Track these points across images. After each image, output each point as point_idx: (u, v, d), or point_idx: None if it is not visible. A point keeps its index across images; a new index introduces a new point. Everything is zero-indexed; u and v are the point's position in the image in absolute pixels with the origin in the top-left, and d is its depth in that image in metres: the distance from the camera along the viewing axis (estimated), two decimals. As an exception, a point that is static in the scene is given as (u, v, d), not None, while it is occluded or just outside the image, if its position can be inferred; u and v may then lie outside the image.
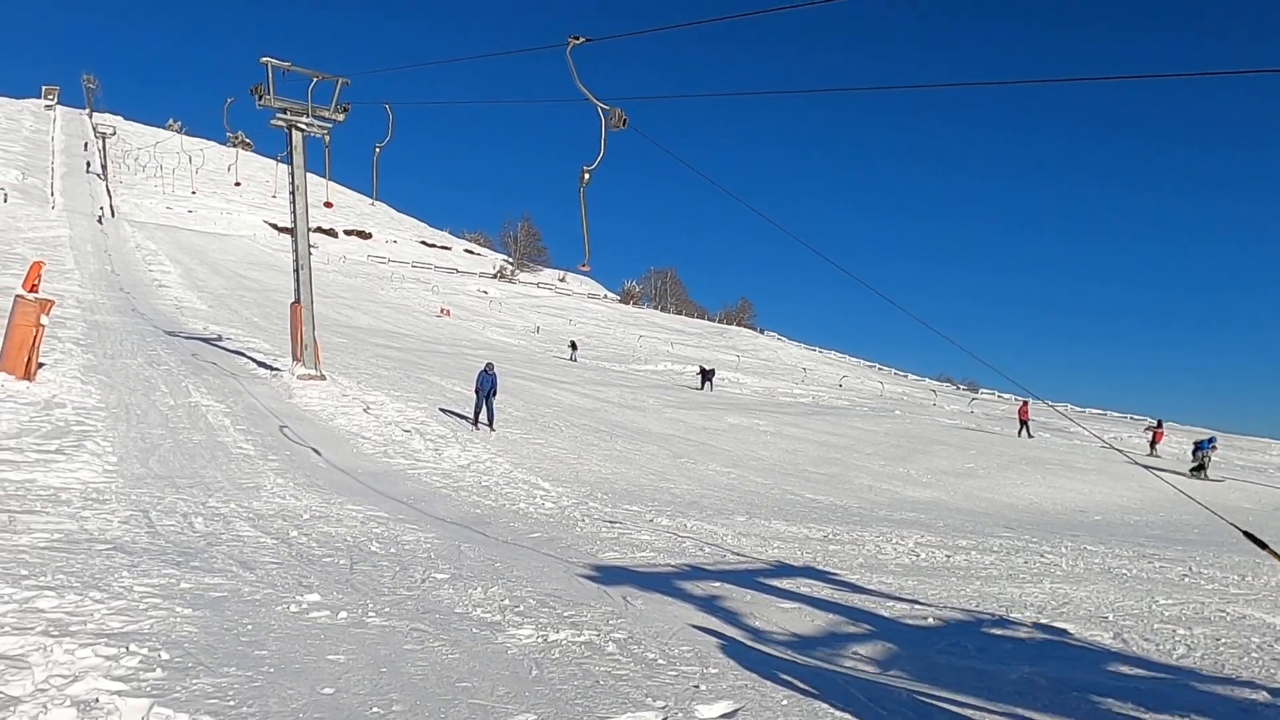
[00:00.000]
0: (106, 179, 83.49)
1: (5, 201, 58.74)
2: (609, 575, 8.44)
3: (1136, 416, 54.13)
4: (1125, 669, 6.42)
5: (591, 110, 10.72)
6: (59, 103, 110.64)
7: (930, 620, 7.72)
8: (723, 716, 4.65)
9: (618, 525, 11.65)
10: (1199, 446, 28.11)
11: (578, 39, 11.51)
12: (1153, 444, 33.46)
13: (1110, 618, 8.18)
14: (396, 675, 4.87)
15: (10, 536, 6.95)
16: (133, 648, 4.68)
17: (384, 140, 12.40)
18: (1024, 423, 35.02)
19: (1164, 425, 35.90)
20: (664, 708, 4.69)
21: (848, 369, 71.01)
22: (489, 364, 20.63)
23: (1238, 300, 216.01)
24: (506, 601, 6.85)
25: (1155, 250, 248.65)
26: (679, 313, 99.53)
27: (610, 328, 70.61)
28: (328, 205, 44.69)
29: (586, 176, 11.14)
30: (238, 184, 54.73)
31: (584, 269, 13.54)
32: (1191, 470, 27.10)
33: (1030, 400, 35.41)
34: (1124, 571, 10.87)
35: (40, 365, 15.41)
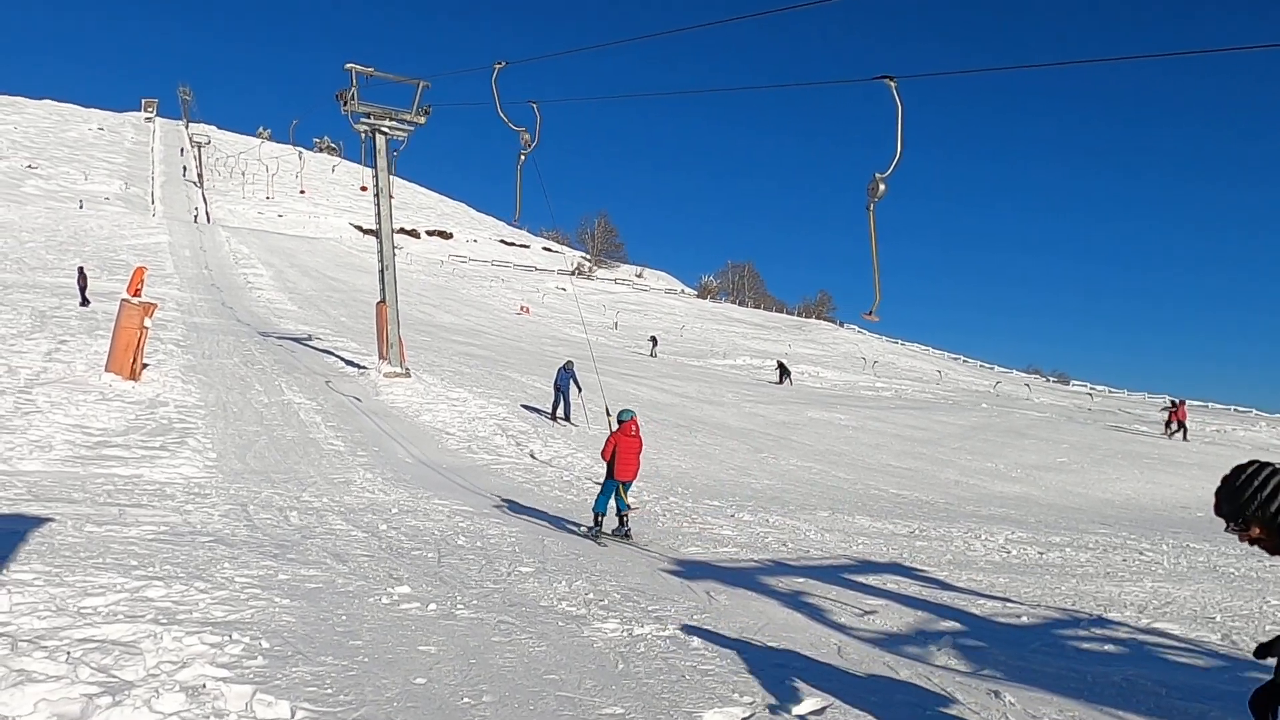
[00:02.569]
0: (202, 186, 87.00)
1: (81, 208, 61.48)
2: (691, 570, 8.43)
3: (1241, 409, 51.53)
4: (1236, 673, 6.12)
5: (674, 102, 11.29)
6: (157, 114, 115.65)
7: (1024, 619, 7.48)
8: (813, 714, 4.58)
9: (699, 520, 11.63)
10: None
11: (501, 64, 14.85)
12: (1168, 424, 33.55)
13: (1218, 618, 7.80)
14: (485, 666, 4.94)
15: (121, 529, 7.30)
16: (235, 636, 4.86)
17: (530, 146, 12.93)
18: (1181, 424, 33.02)
19: (1185, 404, 35.49)
20: (751, 704, 4.64)
21: (931, 361, 69.44)
22: (569, 361, 20.84)
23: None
24: (591, 595, 6.89)
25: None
26: (757, 306, 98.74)
27: (688, 322, 70.50)
28: (363, 189, 46.68)
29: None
30: (302, 191, 56.39)
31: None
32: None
33: (1186, 401, 34.42)
34: (1231, 570, 10.37)
35: (144, 366, 16.15)
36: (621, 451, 10.04)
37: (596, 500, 10.26)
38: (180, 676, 4.22)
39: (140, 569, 6.05)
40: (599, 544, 9.59)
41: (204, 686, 4.13)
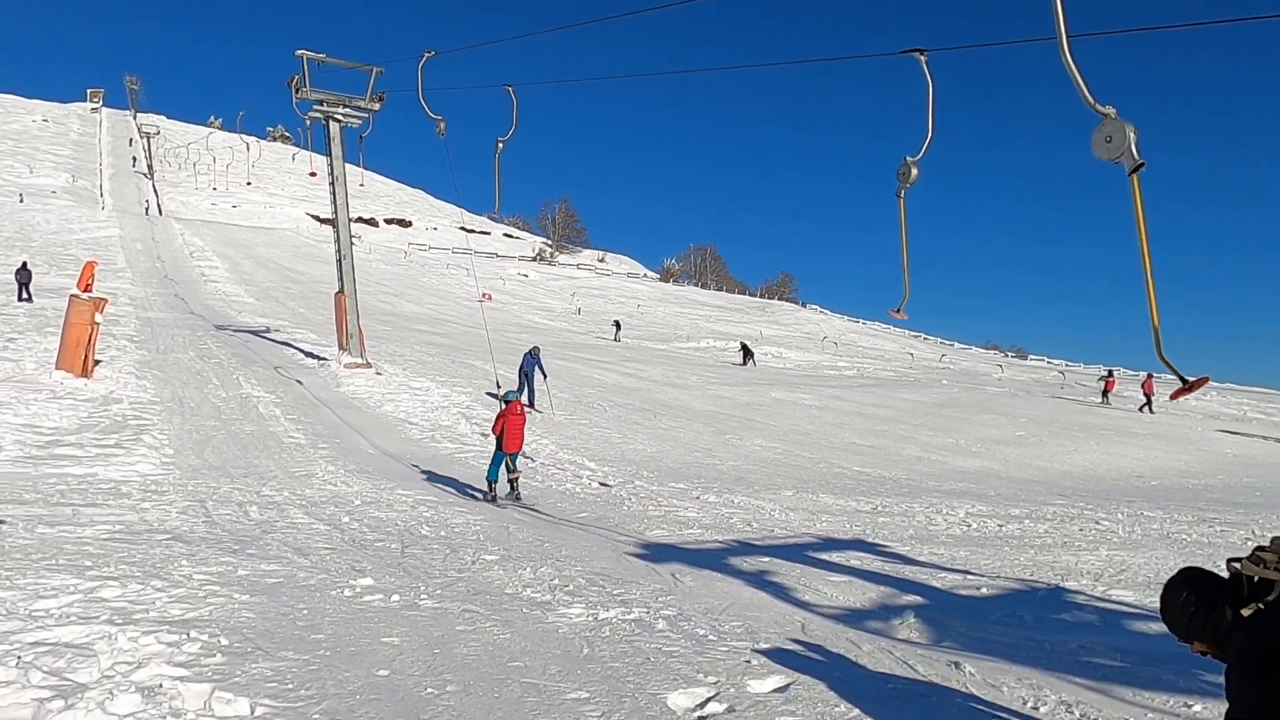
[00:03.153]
0: (152, 178, 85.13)
1: (22, 202, 59.79)
2: (657, 553, 8.46)
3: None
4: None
5: (634, 85, 10.92)
6: (104, 105, 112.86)
7: (984, 590, 7.62)
8: (775, 691, 4.63)
9: (664, 503, 11.66)
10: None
11: (430, 53, 15.29)
12: (1105, 393, 34.92)
13: (1171, 584, 7.99)
14: (450, 656, 4.92)
15: (74, 529, 7.16)
16: (193, 634, 4.79)
17: (508, 132, 12.74)
18: (1149, 397, 33.10)
19: (1114, 374, 37.81)
20: (716, 683, 4.68)
21: (892, 339, 70.18)
22: (534, 347, 20.76)
23: None
24: (556, 581, 6.89)
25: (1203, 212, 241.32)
26: (719, 289, 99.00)
27: (651, 306, 70.52)
28: (312, 174, 46.17)
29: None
30: (249, 183, 55.04)
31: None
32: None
33: (1154, 375, 34.11)
34: (1184, 537, 10.62)
35: (97, 362, 15.82)
36: (509, 428, 11.37)
37: (489, 470, 11.49)
38: (136, 677, 4.15)
39: (94, 569, 5.94)
40: (496, 506, 10.94)
41: (160, 686, 4.07)
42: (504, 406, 11.65)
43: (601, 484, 12.86)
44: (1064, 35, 5.36)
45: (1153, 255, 4.76)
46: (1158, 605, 2.83)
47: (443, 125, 17.55)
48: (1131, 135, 5.04)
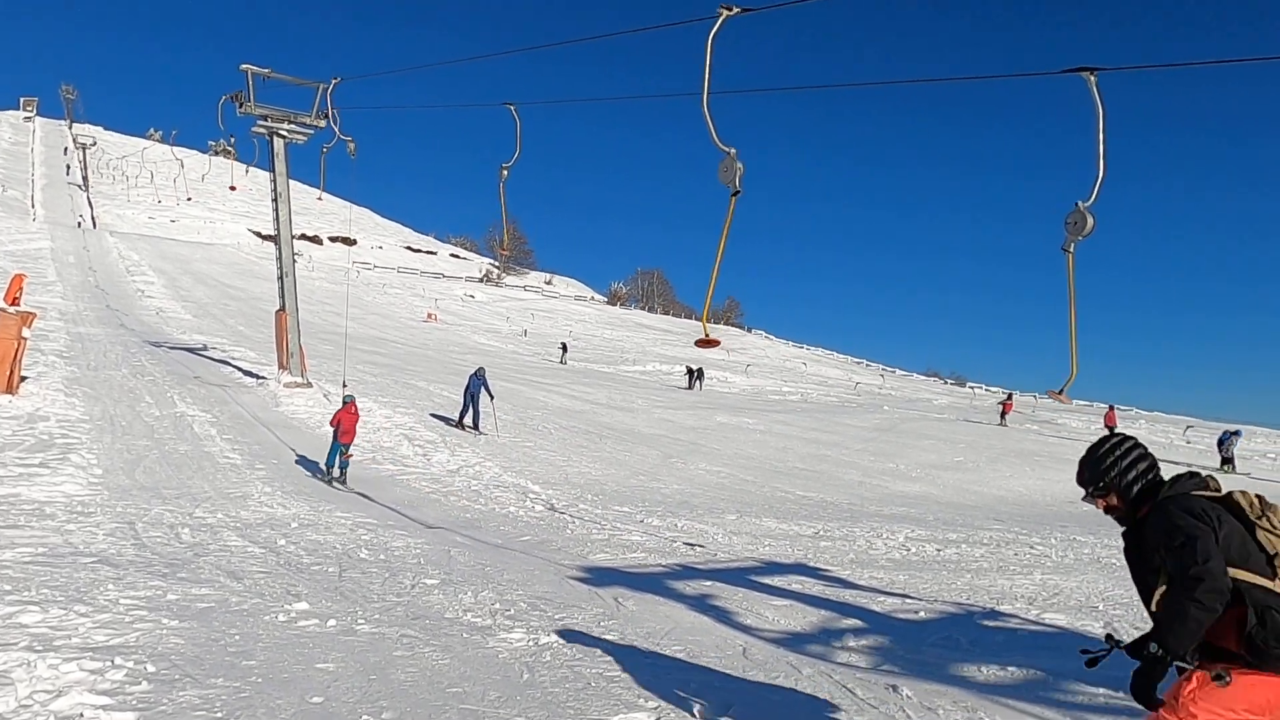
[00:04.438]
0: (87, 190, 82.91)
1: None
2: (600, 577, 8.41)
3: (1122, 408, 54.26)
4: (1118, 658, 6.42)
5: (562, 112, 10.90)
6: (38, 114, 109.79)
7: (922, 614, 7.72)
8: (716, 716, 4.63)
9: (608, 527, 11.63)
10: (1223, 439, 28.60)
11: (337, 79, 17.13)
12: (1002, 415, 37.03)
13: (1100, 607, 8.19)
14: (386, 682, 4.83)
15: (-7, 552, 6.87)
16: (118, 661, 4.63)
17: (512, 158, 12.59)
18: (1110, 430, 32.20)
19: (1013, 398, 41.00)
20: (656, 708, 4.66)
21: (835, 366, 71.18)
22: (480, 368, 20.60)
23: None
24: (497, 605, 6.81)
25: (1164, 240, 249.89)
26: (666, 313, 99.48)
27: (598, 329, 70.56)
28: (232, 189, 46.14)
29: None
30: (233, 188, 54.13)
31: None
32: (1222, 464, 27.31)
33: (1115, 407, 35.42)
34: (1113, 561, 10.88)
35: (23, 379, 15.28)
36: (345, 424, 13.58)
37: (327, 456, 13.80)
38: (55, 706, 4.00)
39: (14, 593, 5.71)
40: (332, 486, 13.10)
41: (81, 716, 3.93)
42: (341, 406, 13.99)
43: (549, 508, 12.79)
44: (706, 90, 7.38)
45: (724, 258, 7.53)
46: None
47: (352, 146, 19.65)
48: (739, 169, 7.25)
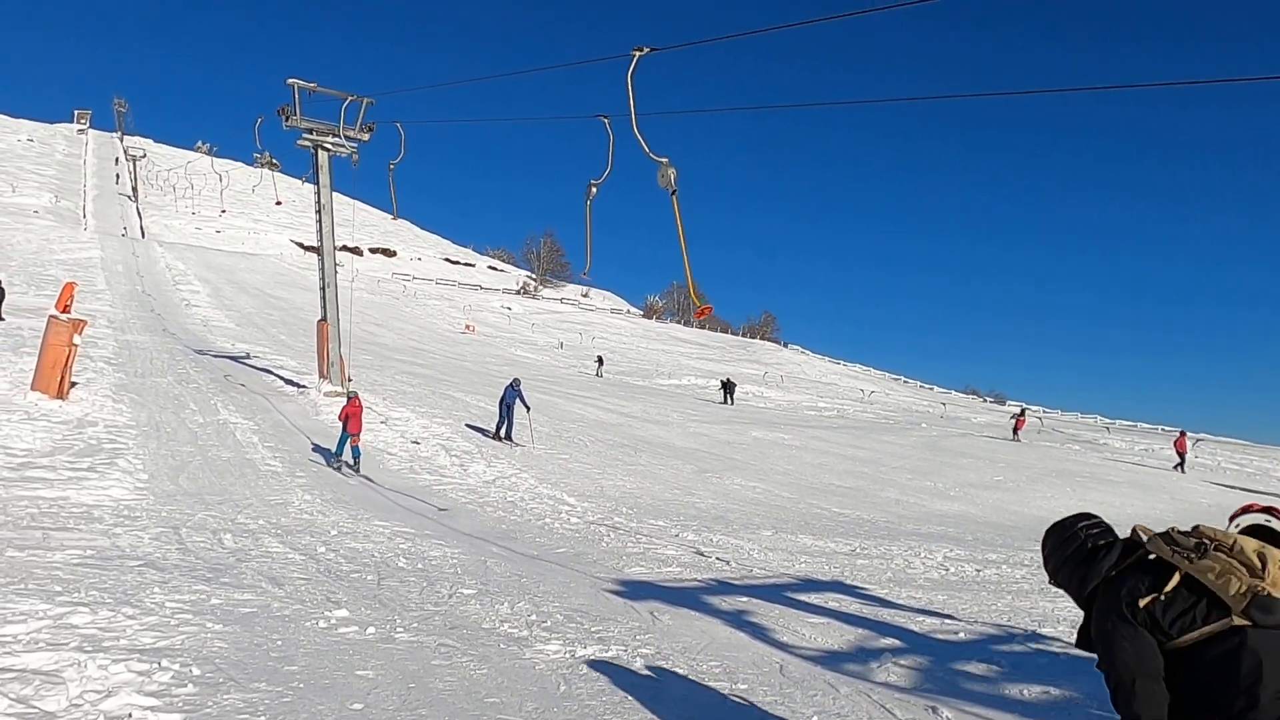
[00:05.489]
0: (137, 201, 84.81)
1: None
2: (635, 590, 8.41)
3: (1168, 428, 53.24)
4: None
5: (600, 126, 10.90)
6: (91, 126, 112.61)
7: (962, 635, 7.61)
8: (753, 733, 4.61)
9: (643, 540, 11.62)
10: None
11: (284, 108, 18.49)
12: (1015, 430, 36.87)
13: (1146, 632, 8.02)
14: (425, 691, 4.86)
15: (44, 553, 7.04)
16: (165, 663, 4.71)
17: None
18: (1182, 456, 31.00)
19: (1026, 413, 40.68)
20: (693, 724, 4.65)
21: (873, 382, 70.54)
22: (515, 379, 20.73)
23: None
24: (533, 617, 6.84)
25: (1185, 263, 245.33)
26: (702, 327, 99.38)
27: (633, 342, 70.65)
28: (278, 203, 47.10)
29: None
30: (279, 203, 55.00)
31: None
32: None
33: (1186, 433, 32.20)
34: (1159, 585, 10.67)
35: (73, 384, 15.64)
36: (353, 417, 14.85)
37: (336, 446, 14.99)
38: (105, 706, 4.08)
39: (64, 595, 5.84)
40: (340, 473, 14.32)
41: (130, 716, 4.00)
42: (346, 401, 15.29)
43: (584, 520, 12.82)
44: (634, 114, 9.34)
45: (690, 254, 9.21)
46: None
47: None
48: (673, 174, 9.04)
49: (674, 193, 9.05)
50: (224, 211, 77.77)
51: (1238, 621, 2.46)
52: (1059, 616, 8.52)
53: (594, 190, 11.62)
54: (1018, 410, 43.12)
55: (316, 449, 15.67)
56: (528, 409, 19.85)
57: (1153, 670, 2.56)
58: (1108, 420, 56.58)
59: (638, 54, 9.21)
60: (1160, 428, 54.09)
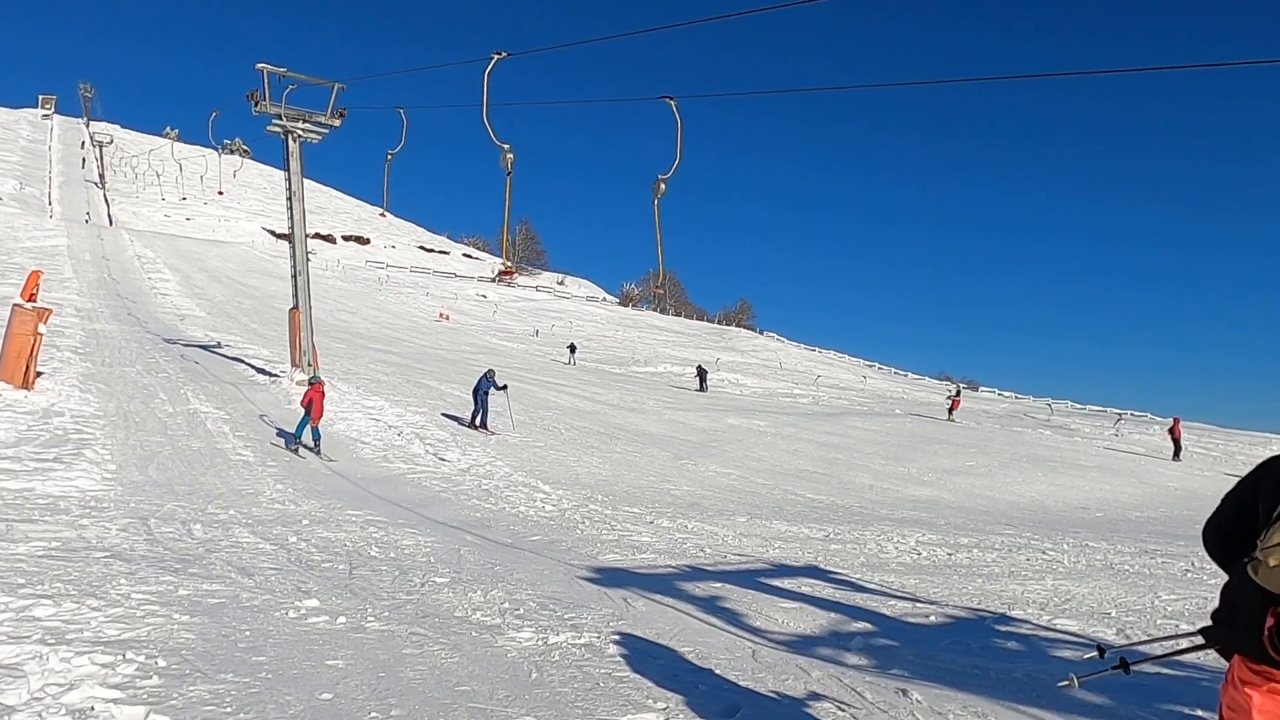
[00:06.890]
0: (104, 187, 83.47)
1: None
2: (610, 577, 8.41)
3: (1137, 413, 53.96)
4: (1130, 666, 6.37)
5: (600, 112, 11.06)
6: (56, 112, 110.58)
7: (933, 618, 7.69)
8: (724, 717, 4.62)
9: (618, 527, 11.62)
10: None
11: (216, 112, 20.87)
12: (950, 411, 37.92)
13: (1113, 614, 8.14)
14: (395, 680, 4.84)
15: (8, 545, 6.92)
16: (129, 655, 4.65)
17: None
18: (1177, 443, 30.75)
19: (961, 393, 43.15)
20: (665, 709, 4.65)
21: (848, 369, 70.93)
22: (490, 369, 20.65)
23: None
24: (506, 605, 6.82)
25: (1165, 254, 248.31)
26: (678, 314, 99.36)
27: (610, 330, 70.54)
28: (220, 193, 46.78)
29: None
30: (220, 193, 54.25)
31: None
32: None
33: (1180, 420, 31.82)
34: (1126, 567, 10.83)
35: (38, 374, 15.38)
36: (316, 403, 15.08)
37: (297, 429, 15.18)
38: (67, 699, 4.02)
39: (27, 587, 5.75)
40: (298, 456, 14.53)
41: (92, 709, 3.95)
42: (309, 386, 15.76)
43: (559, 508, 12.84)
44: (485, 105, 11.37)
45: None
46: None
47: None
48: (511, 158, 11.81)
49: (509, 174, 11.94)
50: (185, 198, 76.60)
51: None
52: (1028, 599, 8.63)
53: (663, 187, 10.70)
54: (953, 390, 44.56)
55: (280, 433, 15.75)
56: (505, 393, 19.95)
57: None
58: (1077, 405, 57.24)
59: (496, 57, 11.32)
60: (1129, 413, 54.81)
